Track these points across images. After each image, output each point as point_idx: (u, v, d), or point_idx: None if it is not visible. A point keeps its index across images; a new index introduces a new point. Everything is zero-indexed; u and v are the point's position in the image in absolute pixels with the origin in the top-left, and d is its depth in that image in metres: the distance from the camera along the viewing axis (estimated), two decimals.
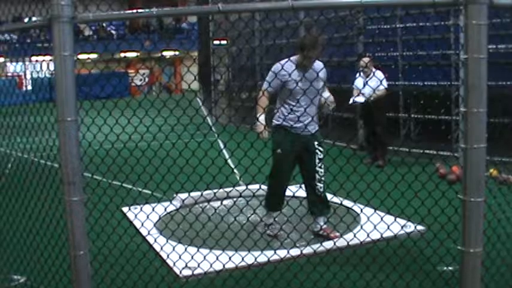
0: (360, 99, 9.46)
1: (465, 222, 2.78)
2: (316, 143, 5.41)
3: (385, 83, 9.42)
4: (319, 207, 5.52)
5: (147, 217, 4.68)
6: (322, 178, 5.44)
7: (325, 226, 5.58)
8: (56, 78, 2.80)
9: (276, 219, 5.64)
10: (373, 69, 9.58)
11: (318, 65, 5.30)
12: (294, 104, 5.17)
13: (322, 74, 5.23)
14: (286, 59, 5.31)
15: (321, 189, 5.43)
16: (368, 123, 10.03)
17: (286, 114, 5.27)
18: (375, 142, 9.97)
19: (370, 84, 9.15)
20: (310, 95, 4.75)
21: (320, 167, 5.42)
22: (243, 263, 4.43)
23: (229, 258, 4.38)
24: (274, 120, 5.45)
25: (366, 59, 9.58)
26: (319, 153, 5.42)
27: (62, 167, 2.86)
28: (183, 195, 6.25)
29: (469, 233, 2.78)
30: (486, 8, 2.65)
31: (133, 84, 33.05)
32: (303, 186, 5.52)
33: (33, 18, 3.28)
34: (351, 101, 9.59)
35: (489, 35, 2.68)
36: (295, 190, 5.63)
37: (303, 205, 5.08)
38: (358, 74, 9.72)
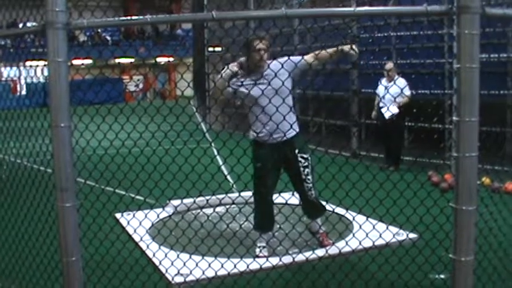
0: (394, 109, 9.52)
1: (457, 231, 2.79)
2: (296, 151, 5.10)
3: (407, 90, 9.44)
4: (314, 210, 5.43)
5: (140, 223, 4.68)
6: (312, 186, 5.19)
7: (322, 231, 5.51)
8: (50, 84, 2.80)
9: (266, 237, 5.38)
10: (396, 76, 9.65)
11: (276, 64, 4.92)
12: (260, 111, 4.76)
13: (287, 66, 4.80)
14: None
15: (313, 195, 5.23)
16: (389, 134, 9.95)
17: (257, 125, 4.98)
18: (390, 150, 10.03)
19: (391, 91, 9.26)
20: (276, 96, 4.43)
21: (306, 175, 5.14)
22: (235, 270, 4.43)
23: (222, 265, 4.38)
24: (250, 135, 5.19)
25: (391, 64, 9.73)
26: (302, 161, 5.11)
27: (55, 172, 2.86)
28: (176, 202, 6.23)
29: (460, 241, 2.79)
30: (479, 17, 2.67)
31: (127, 90, 33.08)
32: (295, 193, 5.44)
33: (28, 24, 3.29)
34: (387, 116, 9.65)
35: (481, 44, 2.70)
36: (288, 197, 5.63)
37: (296, 212, 5.08)
38: (380, 81, 9.82)
